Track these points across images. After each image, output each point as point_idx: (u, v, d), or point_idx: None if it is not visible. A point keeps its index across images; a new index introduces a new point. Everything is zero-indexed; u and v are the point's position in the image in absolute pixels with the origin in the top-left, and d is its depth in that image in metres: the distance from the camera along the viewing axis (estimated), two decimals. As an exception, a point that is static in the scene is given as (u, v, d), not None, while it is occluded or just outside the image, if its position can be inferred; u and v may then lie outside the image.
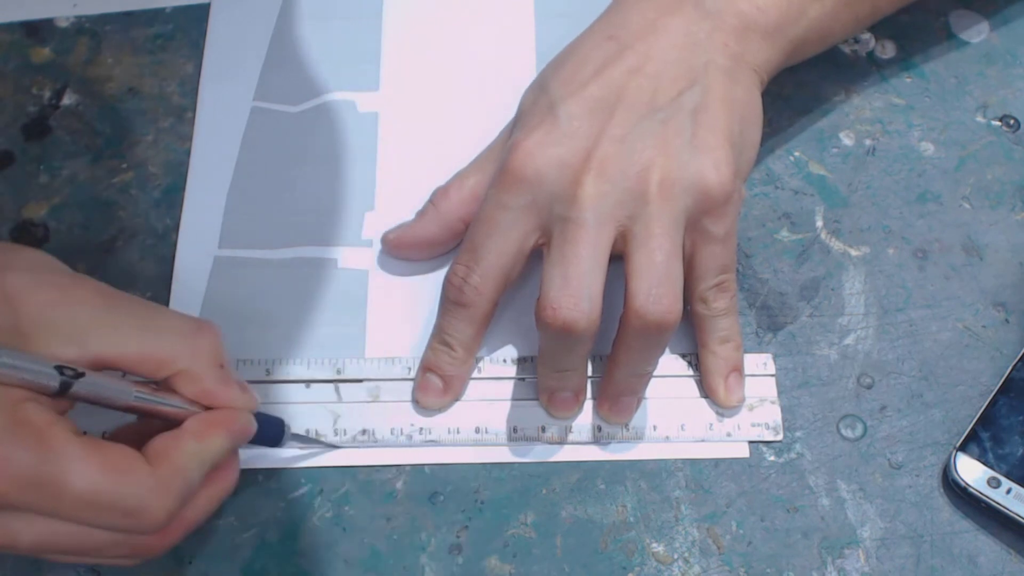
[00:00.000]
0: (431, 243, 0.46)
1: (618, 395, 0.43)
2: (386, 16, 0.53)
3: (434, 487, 0.43)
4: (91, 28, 0.53)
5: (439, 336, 0.43)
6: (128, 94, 0.51)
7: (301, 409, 0.43)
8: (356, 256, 0.47)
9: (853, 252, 0.48)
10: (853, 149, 0.50)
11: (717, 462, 0.43)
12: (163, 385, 0.37)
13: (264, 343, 0.45)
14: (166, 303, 0.46)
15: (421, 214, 0.46)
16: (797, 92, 0.51)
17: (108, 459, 0.34)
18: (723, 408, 0.44)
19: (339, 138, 0.50)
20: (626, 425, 0.43)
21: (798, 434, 0.44)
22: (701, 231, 0.42)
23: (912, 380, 0.45)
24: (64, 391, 0.34)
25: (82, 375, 0.35)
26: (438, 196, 0.46)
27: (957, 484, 0.42)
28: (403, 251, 0.46)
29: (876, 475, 0.43)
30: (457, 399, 0.44)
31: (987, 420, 0.43)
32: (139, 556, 0.37)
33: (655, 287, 0.39)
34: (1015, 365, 0.44)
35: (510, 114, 0.47)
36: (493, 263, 0.41)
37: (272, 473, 0.43)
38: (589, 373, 0.44)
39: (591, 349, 0.41)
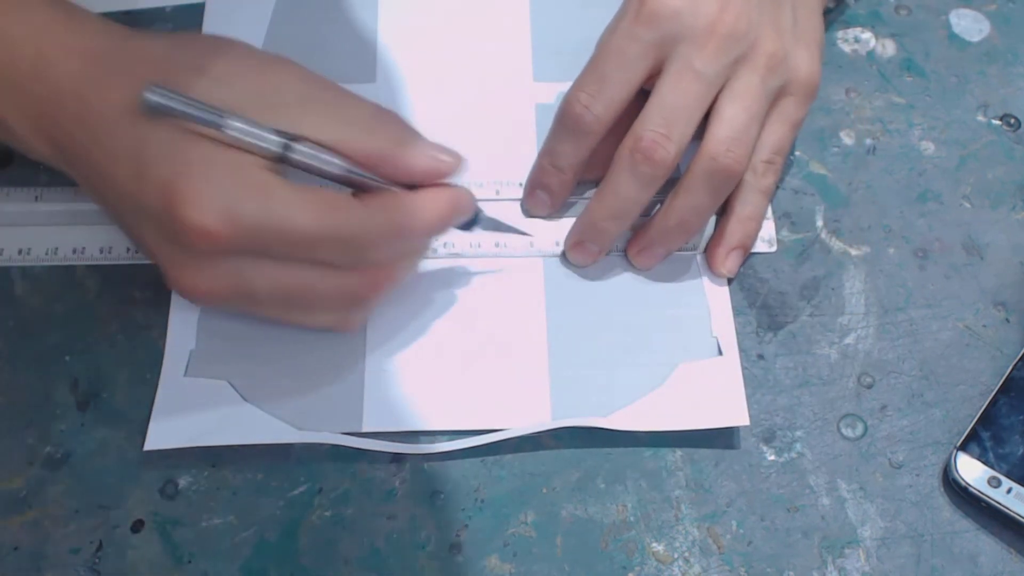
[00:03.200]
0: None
1: (656, 243, 0.45)
2: (381, 7, 0.53)
3: (434, 486, 0.42)
4: (91, 27, 0.53)
5: (551, 158, 0.46)
6: (128, 93, 0.51)
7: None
8: None
9: (853, 251, 0.48)
10: (853, 148, 0.50)
11: (718, 461, 0.43)
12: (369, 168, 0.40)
13: (263, 329, 0.45)
14: (167, 301, 0.45)
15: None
16: (797, 91, 0.51)
17: (327, 200, 0.38)
18: (714, 274, 0.46)
19: None
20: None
21: (798, 433, 0.44)
22: (779, 110, 0.45)
23: (912, 379, 0.45)
24: (284, 154, 0.38)
25: (298, 140, 0.38)
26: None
27: (957, 483, 0.42)
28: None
29: (876, 474, 0.43)
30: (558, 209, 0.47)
31: (987, 419, 0.43)
32: (355, 312, 0.42)
33: (735, 137, 0.42)
34: (1015, 364, 0.44)
35: (506, 105, 0.49)
36: (617, 93, 0.43)
37: (271, 471, 0.43)
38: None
39: (644, 206, 0.44)
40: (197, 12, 0.53)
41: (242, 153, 0.38)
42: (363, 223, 0.39)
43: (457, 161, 0.41)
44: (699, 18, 0.42)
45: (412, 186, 0.41)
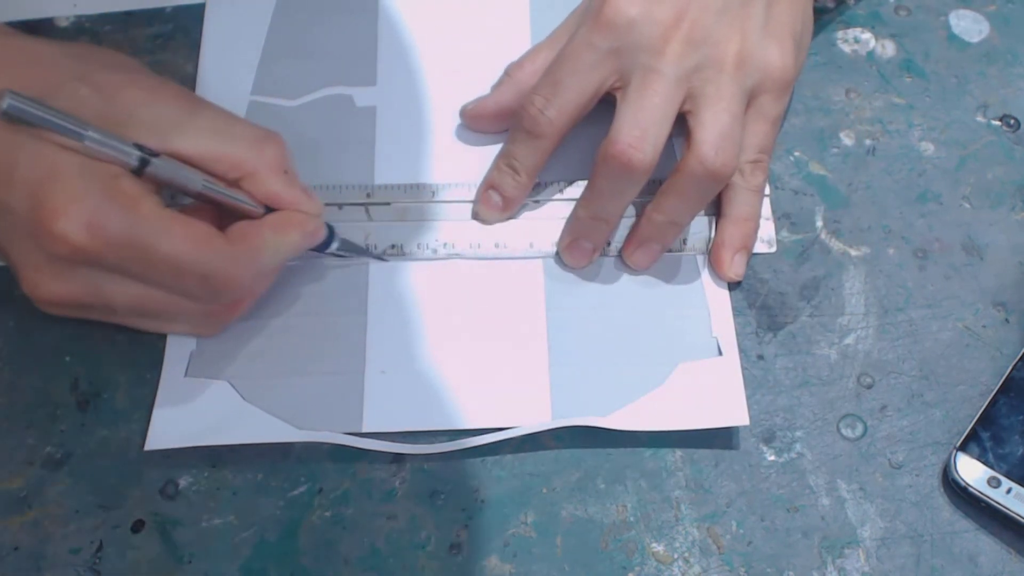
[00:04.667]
0: (506, 113, 0.48)
1: (649, 239, 0.46)
2: (382, 10, 0.53)
3: (434, 486, 0.42)
4: (91, 28, 0.53)
5: (507, 159, 0.46)
6: (128, 93, 0.51)
7: (336, 228, 0.45)
8: None
9: (853, 252, 0.48)
10: (853, 149, 0.50)
11: (718, 461, 0.43)
12: (233, 184, 0.41)
13: (263, 329, 0.45)
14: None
15: (496, 86, 0.49)
16: (797, 92, 0.51)
17: (192, 230, 0.39)
18: (721, 279, 0.46)
19: (336, 132, 0.50)
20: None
21: (798, 434, 0.44)
22: (756, 108, 0.45)
23: (912, 380, 0.45)
24: (142, 167, 0.38)
25: (157, 155, 0.39)
26: (513, 68, 0.48)
27: (957, 484, 0.42)
28: (480, 123, 0.49)
29: (876, 475, 0.43)
30: (512, 217, 0.47)
31: (987, 420, 0.43)
32: (211, 326, 0.44)
33: (721, 140, 0.43)
34: (1015, 365, 0.44)
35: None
36: (571, 99, 0.44)
37: (271, 471, 0.43)
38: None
39: (627, 205, 0.45)
40: (196, 12, 0.53)
41: (118, 168, 0.38)
42: (226, 264, 0.40)
43: (320, 206, 0.43)
44: (655, 26, 0.43)
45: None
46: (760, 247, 0.47)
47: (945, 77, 0.52)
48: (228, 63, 0.52)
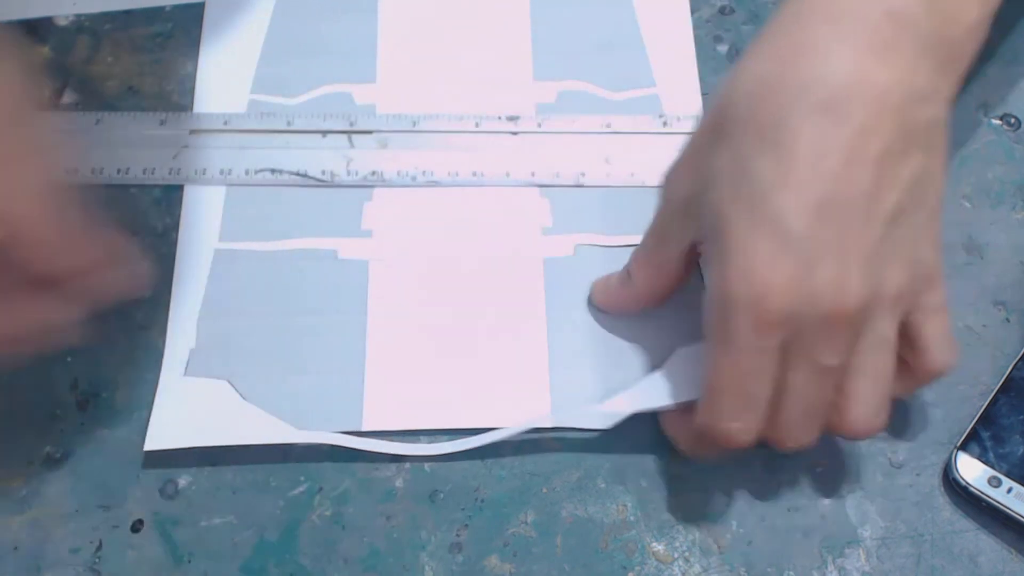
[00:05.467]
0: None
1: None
2: (381, 8, 0.53)
3: (434, 485, 0.42)
4: (91, 27, 0.53)
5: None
6: (128, 93, 0.51)
7: (318, 154, 0.46)
8: (355, 247, 0.47)
9: (853, 251, 0.48)
10: (853, 148, 0.50)
11: (717, 462, 0.43)
12: None
13: (263, 329, 0.45)
14: (167, 301, 0.45)
15: (620, 287, 0.44)
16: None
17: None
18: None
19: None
20: None
21: (798, 433, 0.44)
22: (921, 310, 0.39)
23: (913, 379, 0.45)
24: None
25: None
26: (632, 271, 0.44)
27: (958, 483, 0.42)
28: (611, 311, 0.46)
29: (877, 474, 0.43)
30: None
31: (988, 419, 0.43)
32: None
33: (868, 416, 0.38)
34: (1016, 364, 0.44)
35: (506, 106, 0.50)
36: (764, 406, 0.38)
37: (271, 471, 0.43)
38: None
39: None
40: (196, 11, 0.53)
41: None
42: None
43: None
44: (818, 307, 0.35)
45: None
46: None
47: (945, 76, 0.52)
48: (228, 62, 0.52)
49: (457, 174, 0.48)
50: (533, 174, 0.48)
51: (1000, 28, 0.54)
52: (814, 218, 0.35)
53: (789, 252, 0.35)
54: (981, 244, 0.48)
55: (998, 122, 0.51)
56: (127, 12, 0.53)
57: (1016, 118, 0.51)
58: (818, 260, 0.35)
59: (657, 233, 0.42)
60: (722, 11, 0.54)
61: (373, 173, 0.48)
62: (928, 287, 0.38)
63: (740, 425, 0.37)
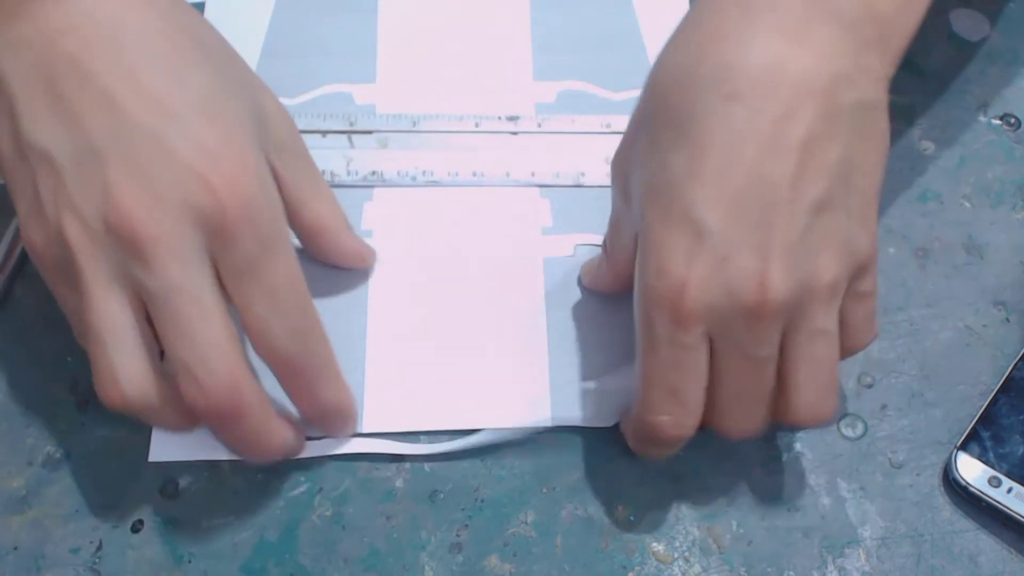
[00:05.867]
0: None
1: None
2: (381, 8, 0.53)
3: (434, 485, 0.42)
4: (91, 27, 0.53)
5: (643, 454, 0.41)
6: (128, 93, 0.51)
7: (318, 154, 0.45)
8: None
9: (853, 251, 0.48)
10: (853, 148, 0.50)
11: (718, 461, 0.43)
12: None
13: None
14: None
15: (599, 269, 0.44)
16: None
17: None
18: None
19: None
20: None
21: (799, 433, 0.44)
22: (852, 294, 0.37)
23: (913, 379, 0.45)
24: None
25: None
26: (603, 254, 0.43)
27: (958, 483, 0.42)
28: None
29: (877, 474, 0.43)
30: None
31: (988, 419, 0.43)
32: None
33: (819, 399, 0.37)
34: (1016, 364, 0.44)
35: (506, 106, 0.50)
36: (699, 400, 0.37)
37: (271, 471, 0.42)
38: None
39: None
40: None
41: None
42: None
43: (374, 254, 0.45)
44: (738, 301, 0.35)
45: None
46: None
47: (945, 76, 0.52)
48: None
49: (457, 174, 0.48)
50: (533, 174, 0.48)
51: (1000, 28, 0.54)
52: (729, 211, 0.34)
53: (704, 246, 0.34)
54: (981, 244, 0.48)
55: (998, 122, 0.51)
56: (127, 12, 0.53)
57: (1016, 118, 0.51)
58: (735, 253, 0.34)
59: (612, 220, 0.42)
60: (722, 11, 0.54)
61: (373, 173, 0.48)
62: (861, 274, 0.37)
63: (670, 419, 0.37)
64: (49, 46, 0.35)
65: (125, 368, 0.35)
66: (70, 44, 0.35)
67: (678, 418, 0.37)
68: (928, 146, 0.50)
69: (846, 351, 0.38)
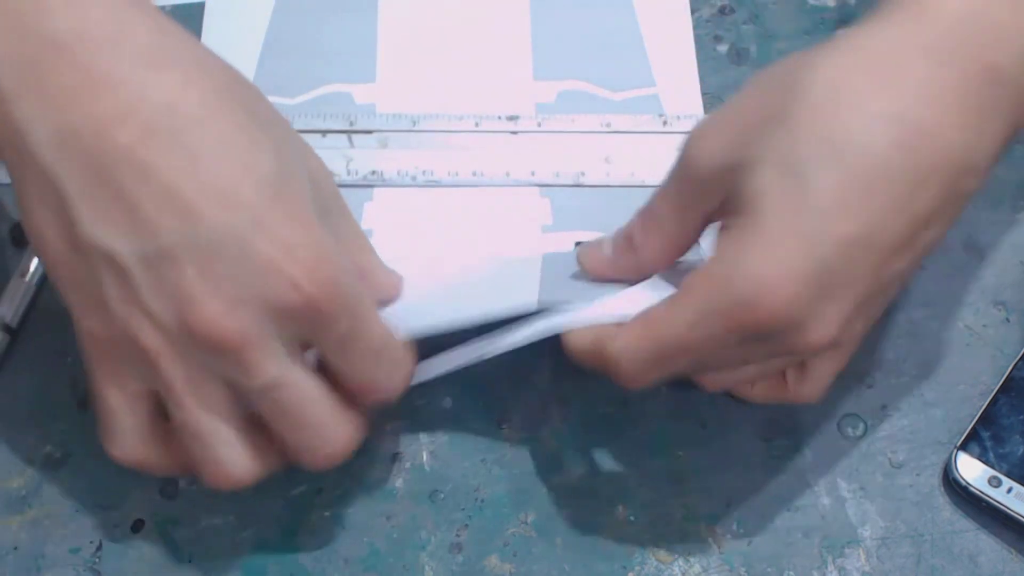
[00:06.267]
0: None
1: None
2: (381, 8, 0.53)
3: (434, 485, 0.42)
4: (91, 26, 0.53)
5: None
6: (128, 93, 0.51)
7: (318, 154, 0.44)
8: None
9: (854, 251, 0.48)
10: (854, 148, 0.50)
11: (718, 461, 0.43)
12: None
13: None
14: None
15: (619, 255, 0.41)
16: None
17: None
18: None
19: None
20: None
21: (799, 433, 0.44)
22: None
23: (913, 379, 0.45)
24: None
25: None
26: (637, 238, 0.40)
27: (958, 483, 0.42)
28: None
29: (877, 474, 0.43)
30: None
31: (988, 419, 0.43)
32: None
33: (824, 387, 0.40)
34: (1016, 364, 0.44)
35: (506, 105, 0.50)
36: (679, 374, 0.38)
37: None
38: None
39: None
40: (196, 11, 0.53)
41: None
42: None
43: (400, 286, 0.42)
44: (796, 336, 0.35)
45: None
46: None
47: (945, 76, 0.52)
48: (227, 62, 0.52)
49: (457, 174, 0.48)
50: (533, 173, 0.49)
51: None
52: (843, 252, 0.34)
53: (808, 276, 0.34)
54: (981, 244, 0.48)
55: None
56: (127, 12, 0.53)
57: (1016, 118, 0.51)
58: (826, 294, 0.34)
59: (675, 200, 0.39)
60: (722, 11, 0.54)
61: (373, 172, 0.48)
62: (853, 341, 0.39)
63: (645, 379, 0.37)
64: (102, 137, 0.33)
65: (234, 461, 0.36)
66: (124, 134, 0.33)
67: (649, 379, 0.37)
68: (928, 146, 0.50)
69: (797, 399, 0.40)
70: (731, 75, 0.52)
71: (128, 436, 0.37)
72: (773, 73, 0.37)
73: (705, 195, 0.37)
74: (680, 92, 0.51)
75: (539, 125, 0.50)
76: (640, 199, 0.41)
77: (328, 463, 0.37)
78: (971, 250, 0.48)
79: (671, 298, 0.36)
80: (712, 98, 0.51)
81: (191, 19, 0.53)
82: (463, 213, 0.48)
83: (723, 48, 0.53)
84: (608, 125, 0.50)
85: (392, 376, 0.38)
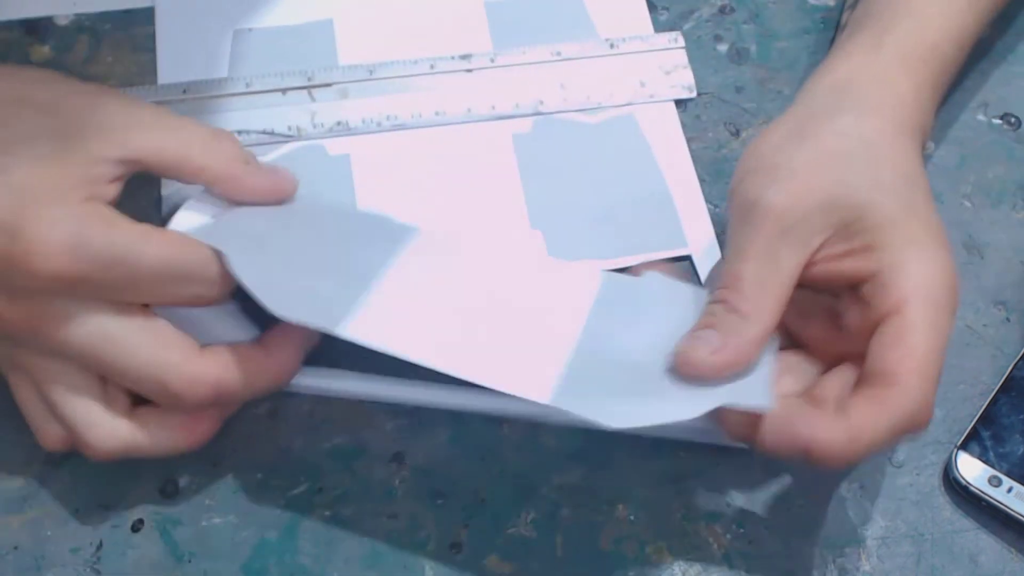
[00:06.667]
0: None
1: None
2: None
3: (434, 485, 0.42)
4: (91, 26, 0.53)
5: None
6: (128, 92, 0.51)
7: (280, 111, 0.48)
8: (339, 145, 0.50)
9: (854, 251, 0.48)
10: (854, 148, 0.50)
11: (717, 461, 0.43)
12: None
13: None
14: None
15: (730, 338, 0.38)
16: (798, 91, 0.51)
17: (171, 236, 0.38)
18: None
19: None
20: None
21: (799, 433, 0.44)
22: None
23: (913, 379, 0.45)
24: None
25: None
26: (742, 308, 0.38)
27: (958, 483, 0.42)
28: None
29: (877, 474, 0.43)
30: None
31: (988, 419, 0.43)
32: (188, 394, 0.38)
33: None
34: (1016, 364, 0.44)
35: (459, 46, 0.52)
36: None
37: (272, 472, 0.43)
38: None
39: None
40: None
41: (81, 187, 0.37)
42: (210, 259, 0.38)
43: (294, 182, 0.42)
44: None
45: None
46: (683, 92, 0.51)
47: (946, 76, 0.52)
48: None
49: (420, 115, 0.50)
50: (493, 107, 0.51)
51: (1000, 28, 0.54)
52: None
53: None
54: (981, 244, 0.48)
55: (998, 122, 0.51)
56: (127, 11, 0.53)
57: (1016, 118, 0.51)
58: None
59: (764, 254, 0.39)
60: (722, 10, 0.54)
61: (338, 123, 0.50)
62: None
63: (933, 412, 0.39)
64: None
65: (94, 433, 0.39)
66: None
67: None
68: (929, 146, 0.50)
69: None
70: (731, 74, 0.52)
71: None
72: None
73: (801, 237, 0.39)
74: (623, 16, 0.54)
75: (492, 61, 0.52)
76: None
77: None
78: (971, 250, 0.48)
79: (872, 406, 0.37)
80: (712, 97, 0.51)
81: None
82: (437, 159, 0.49)
83: (723, 48, 0.53)
84: (558, 54, 0.52)
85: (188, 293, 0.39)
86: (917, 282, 0.38)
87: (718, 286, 0.40)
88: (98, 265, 0.36)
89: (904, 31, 0.44)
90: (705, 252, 0.47)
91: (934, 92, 0.44)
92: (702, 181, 0.49)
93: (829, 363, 0.40)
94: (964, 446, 0.42)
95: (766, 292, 0.38)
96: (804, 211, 0.39)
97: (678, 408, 0.37)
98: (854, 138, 0.40)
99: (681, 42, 0.52)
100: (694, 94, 0.51)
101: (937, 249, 0.39)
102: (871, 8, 0.46)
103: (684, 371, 0.38)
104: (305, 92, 0.51)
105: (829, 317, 0.40)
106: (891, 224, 0.39)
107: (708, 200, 0.48)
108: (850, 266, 0.39)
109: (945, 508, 0.42)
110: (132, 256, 0.37)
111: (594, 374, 0.38)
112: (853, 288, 0.39)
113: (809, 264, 0.39)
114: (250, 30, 0.53)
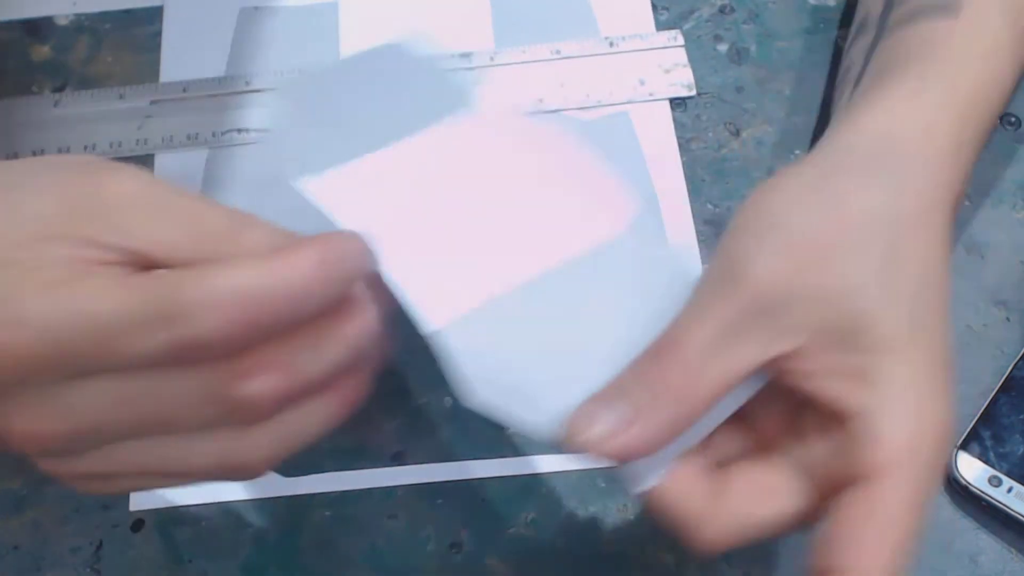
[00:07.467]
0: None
1: None
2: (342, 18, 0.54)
3: (434, 485, 0.42)
4: (91, 26, 0.53)
5: None
6: (128, 92, 0.51)
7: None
8: None
9: (854, 251, 0.48)
10: (854, 148, 0.50)
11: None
12: None
13: None
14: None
15: (643, 417, 0.32)
16: (798, 91, 0.51)
17: (141, 278, 0.28)
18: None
19: None
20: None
21: (799, 433, 0.44)
22: None
23: (913, 379, 0.45)
24: None
25: None
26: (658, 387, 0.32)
27: (958, 483, 0.42)
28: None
29: (877, 474, 0.43)
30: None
31: (988, 419, 0.43)
32: (240, 428, 0.29)
33: None
34: (1016, 364, 0.44)
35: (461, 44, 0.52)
36: None
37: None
38: None
39: None
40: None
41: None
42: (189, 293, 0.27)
43: (359, 261, 0.30)
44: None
45: None
46: (682, 91, 0.51)
47: (946, 76, 0.52)
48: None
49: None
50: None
51: (1000, 27, 0.54)
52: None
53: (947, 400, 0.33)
54: (981, 244, 0.48)
55: (998, 122, 0.51)
56: (127, 11, 0.53)
57: (1017, 117, 0.51)
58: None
59: (724, 329, 0.32)
60: (722, 10, 0.54)
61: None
62: None
63: None
64: None
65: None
66: None
67: None
68: (928, 146, 0.50)
69: None
70: (731, 75, 0.52)
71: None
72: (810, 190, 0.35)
73: (774, 321, 0.32)
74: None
75: (492, 59, 0.52)
76: None
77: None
78: (971, 250, 0.48)
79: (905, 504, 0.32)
80: (712, 97, 0.51)
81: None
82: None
83: (723, 48, 0.53)
84: (558, 52, 0.52)
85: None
86: (908, 443, 0.32)
87: (652, 344, 0.33)
88: (57, 342, 0.28)
89: (949, 78, 0.38)
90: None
91: (976, 148, 0.39)
92: (702, 181, 0.49)
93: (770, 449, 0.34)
94: (964, 446, 0.42)
95: (707, 374, 0.32)
96: (789, 295, 0.32)
97: (545, 421, 0.32)
98: (882, 221, 0.34)
99: (680, 40, 0.53)
100: (693, 92, 0.51)
101: (938, 396, 0.33)
102: (899, 52, 0.40)
103: (571, 444, 0.31)
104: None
105: (790, 416, 0.34)
106: (892, 352, 0.33)
107: (708, 200, 0.48)
108: (833, 391, 0.32)
109: (945, 508, 0.42)
110: (87, 315, 0.28)
111: (502, 328, 0.34)
112: (827, 414, 0.33)
113: (782, 369, 0.33)
114: (256, 8, 0.53)
